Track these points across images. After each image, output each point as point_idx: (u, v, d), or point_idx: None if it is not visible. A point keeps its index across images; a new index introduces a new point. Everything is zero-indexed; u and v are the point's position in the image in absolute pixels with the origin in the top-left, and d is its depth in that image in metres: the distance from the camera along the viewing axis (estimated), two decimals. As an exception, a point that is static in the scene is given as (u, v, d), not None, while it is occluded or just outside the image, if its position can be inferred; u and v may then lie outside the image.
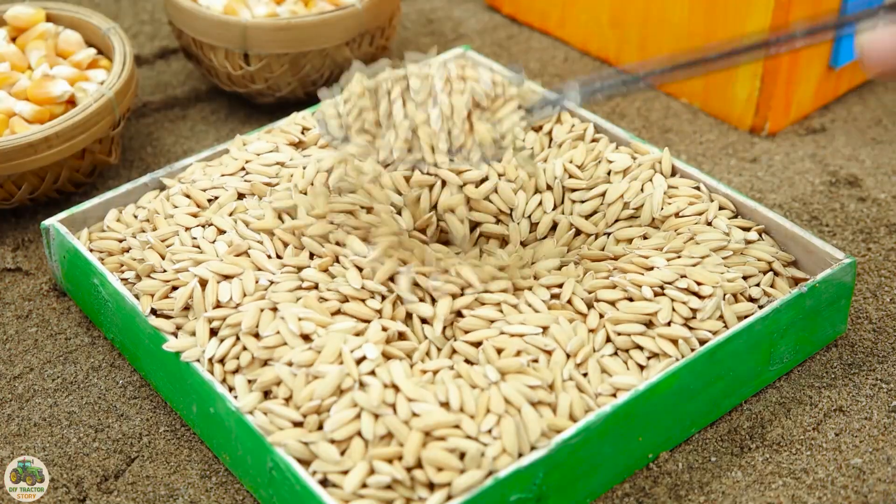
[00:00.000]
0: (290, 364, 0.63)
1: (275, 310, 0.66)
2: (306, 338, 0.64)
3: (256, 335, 0.65)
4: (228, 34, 0.89)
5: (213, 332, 0.66)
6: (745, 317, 0.67)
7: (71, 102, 0.84)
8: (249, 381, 0.64)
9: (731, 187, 0.78)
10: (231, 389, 0.65)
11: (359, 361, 0.62)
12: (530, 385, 0.62)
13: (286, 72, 0.91)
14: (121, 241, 0.74)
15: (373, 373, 0.62)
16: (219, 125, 0.95)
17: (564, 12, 1.02)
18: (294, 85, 0.92)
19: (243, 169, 0.77)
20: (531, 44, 1.04)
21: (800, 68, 0.89)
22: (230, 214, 0.73)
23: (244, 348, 0.65)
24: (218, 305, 0.67)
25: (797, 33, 0.62)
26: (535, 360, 0.64)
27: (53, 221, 0.76)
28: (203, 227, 0.72)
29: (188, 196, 0.75)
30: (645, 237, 0.73)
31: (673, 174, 0.77)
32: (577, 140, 0.80)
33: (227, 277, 0.68)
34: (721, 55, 0.64)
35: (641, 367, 0.65)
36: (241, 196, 0.75)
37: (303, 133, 0.80)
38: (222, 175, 0.76)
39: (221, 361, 0.66)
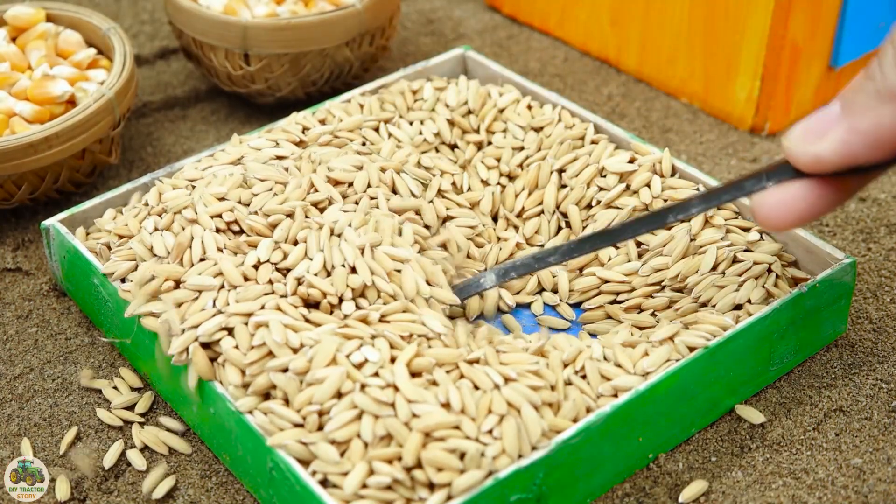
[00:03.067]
0: (284, 370, 0.63)
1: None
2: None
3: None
4: (228, 34, 0.89)
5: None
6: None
7: (71, 102, 0.84)
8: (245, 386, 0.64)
9: (731, 187, 0.78)
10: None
11: (359, 365, 0.62)
12: (532, 386, 0.62)
13: (286, 72, 0.91)
14: (119, 237, 0.74)
15: (375, 374, 0.62)
16: (219, 125, 0.95)
17: (564, 12, 1.02)
18: (294, 85, 0.92)
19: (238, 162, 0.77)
20: (531, 44, 1.04)
21: (800, 68, 0.89)
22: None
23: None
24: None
25: (693, 204, 0.65)
26: (536, 363, 0.64)
27: (53, 221, 0.76)
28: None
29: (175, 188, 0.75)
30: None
31: (673, 174, 0.77)
32: (578, 140, 0.80)
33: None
34: (623, 230, 0.68)
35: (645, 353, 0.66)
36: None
37: (303, 133, 0.80)
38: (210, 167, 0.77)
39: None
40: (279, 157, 0.76)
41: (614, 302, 0.74)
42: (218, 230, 0.70)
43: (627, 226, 0.67)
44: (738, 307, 0.70)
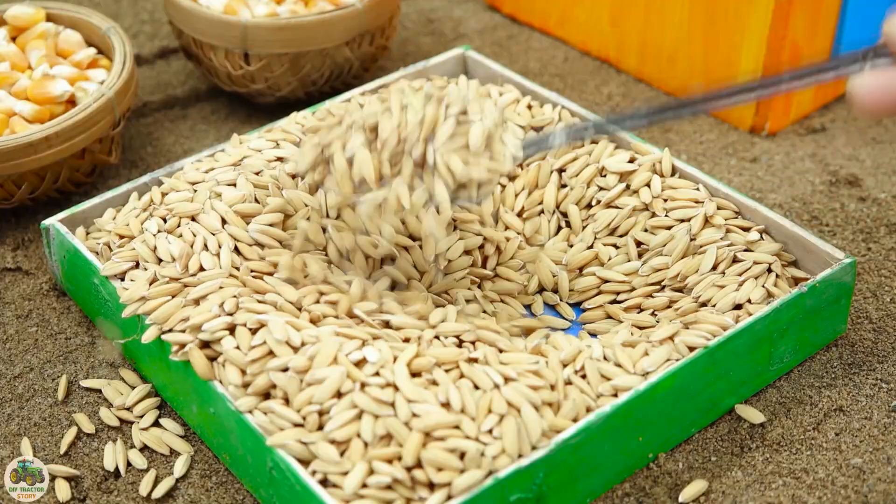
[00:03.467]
0: (284, 370, 0.63)
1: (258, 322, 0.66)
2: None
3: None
4: (228, 34, 0.89)
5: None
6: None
7: (71, 102, 0.84)
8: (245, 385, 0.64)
9: (731, 187, 0.78)
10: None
11: (359, 365, 0.62)
12: (532, 386, 0.62)
13: (286, 72, 0.91)
14: (120, 237, 0.74)
15: (376, 374, 0.62)
16: (219, 125, 0.95)
17: (564, 12, 1.02)
18: (294, 85, 0.92)
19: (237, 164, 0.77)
20: (531, 44, 1.04)
21: (800, 68, 0.90)
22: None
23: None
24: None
25: (784, 77, 0.64)
26: (536, 363, 0.64)
27: (53, 221, 0.76)
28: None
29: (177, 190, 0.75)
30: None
31: (673, 174, 0.77)
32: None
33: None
34: (708, 98, 0.66)
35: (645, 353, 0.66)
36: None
37: (304, 134, 0.80)
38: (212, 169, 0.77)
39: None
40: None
41: (614, 302, 0.74)
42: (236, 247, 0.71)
43: (709, 97, 0.65)
44: (738, 307, 0.70)
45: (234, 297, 0.67)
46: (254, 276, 0.69)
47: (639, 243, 0.75)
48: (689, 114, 0.68)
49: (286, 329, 0.64)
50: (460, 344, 0.66)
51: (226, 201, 0.73)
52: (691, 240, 0.73)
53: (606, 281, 0.74)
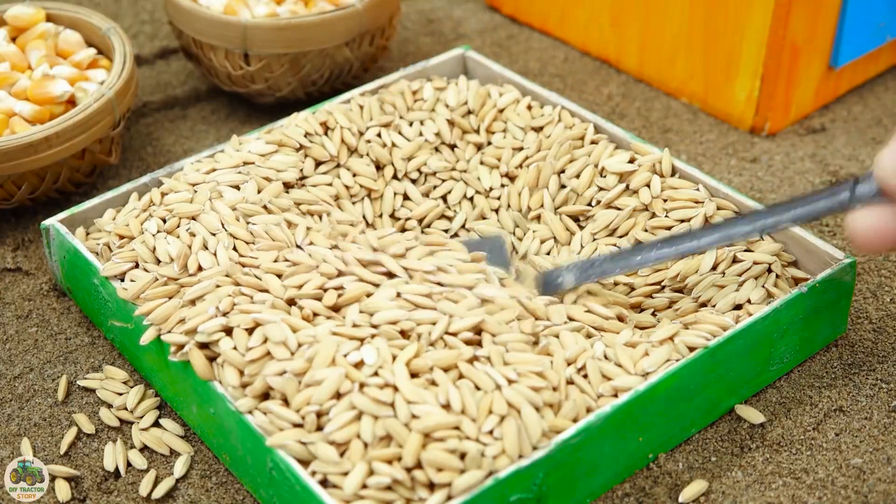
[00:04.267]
0: (282, 373, 0.63)
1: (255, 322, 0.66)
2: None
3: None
4: (228, 34, 0.89)
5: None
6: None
7: (71, 102, 0.84)
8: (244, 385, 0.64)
9: (731, 187, 0.78)
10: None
11: (357, 366, 0.62)
12: (533, 387, 0.62)
13: (286, 72, 0.91)
14: (119, 237, 0.74)
15: (375, 374, 0.62)
16: (219, 125, 0.95)
17: (564, 12, 1.02)
18: (294, 85, 0.92)
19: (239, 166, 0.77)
20: (531, 44, 1.04)
21: (800, 68, 0.90)
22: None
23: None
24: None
25: (784, 219, 0.66)
26: (539, 363, 0.64)
27: (53, 221, 0.76)
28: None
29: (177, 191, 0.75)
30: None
31: (673, 174, 0.77)
32: (578, 140, 0.80)
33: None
34: (711, 232, 0.68)
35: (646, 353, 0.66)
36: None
37: (305, 137, 0.80)
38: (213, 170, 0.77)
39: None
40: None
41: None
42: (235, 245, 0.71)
43: (711, 229, 0.68)
44: (738, 307, 0.70)
45: (230, 296, 0.67)
46: (245, 275, 0.68)
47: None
48: (694, 250, 0.69)
49: (283, 329, 0.64)
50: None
51: (227, 202, 0.73)
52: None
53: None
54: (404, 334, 0.65)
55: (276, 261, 0.69)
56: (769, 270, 0.71)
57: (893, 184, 0.58)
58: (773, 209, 0.66)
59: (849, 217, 0.60)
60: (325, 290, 0.67)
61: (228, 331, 0.65)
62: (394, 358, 0.63)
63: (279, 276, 0.68)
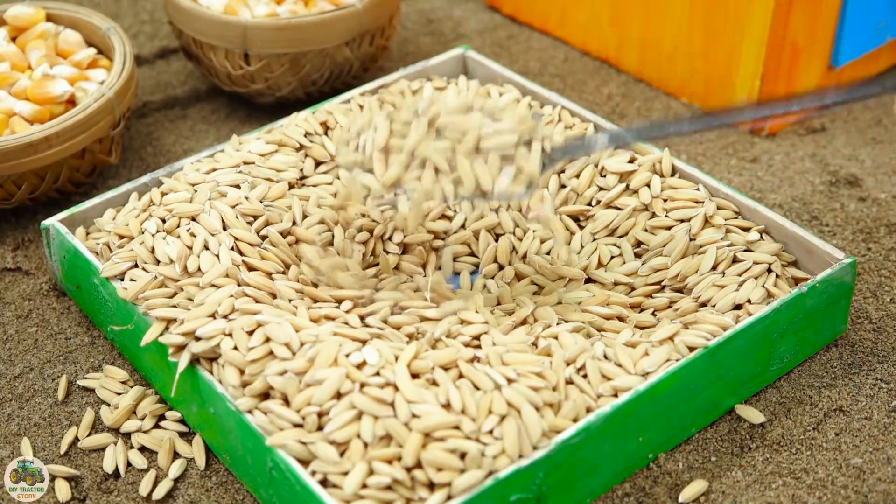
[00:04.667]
0: (283, 373, 0.63)
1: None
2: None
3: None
4: (228, 34, 0.89)
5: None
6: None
7: (71, 102, 0.84)
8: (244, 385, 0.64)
9: (731, 187, 0.78)
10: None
11: (359, 366, 0.62)
12: (533, 387, 0.62)
13: (286, 72, 0.91)
14: (119, 237, 0.74)
15: (376, 374, 0.62)
16: (219, 125, 0.95)
17: (564, 12, 1.02)
18: (294, 85, 0.92)
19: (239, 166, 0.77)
20: (531, 44, 1.04)
21: (800, 68, 0.89)
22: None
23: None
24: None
25: (829, 96, 0.64)
26: (538, 363, 0.64)
27: (53, 221, 0.76)
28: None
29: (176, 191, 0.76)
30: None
31: (673, 174, 0.77)
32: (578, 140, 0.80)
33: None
34: (746, 111, 0.67)
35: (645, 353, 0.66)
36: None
37: (305, 136, 0.80)
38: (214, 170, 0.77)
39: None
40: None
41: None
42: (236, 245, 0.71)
43: (757, 106, 0.66)
44: (738, 307, 0.70)
45: (231, 296, 0.67)
46: (250, 273, 0.69)
47: (638, 243, 0.75)
48: (729, 121, 0.68)
49: (284, 330, 0.64)
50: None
51: (227, 201, 0.73)
52: (691, 240, 0.73)
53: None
54: (410, 337, 0.65)
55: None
56: (769, 270, 0.71)
57: None
58: (821, 93, 0.64)
59: None
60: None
61: (228, 331, 0.65)
62: (396, 358, 0.63)
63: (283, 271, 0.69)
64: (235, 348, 0.64)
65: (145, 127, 0.95)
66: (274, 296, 0.68)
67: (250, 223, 0.73)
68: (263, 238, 0.72)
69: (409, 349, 0.63)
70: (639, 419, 0.64)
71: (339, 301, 0.69)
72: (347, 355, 0.63)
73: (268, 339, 0.64)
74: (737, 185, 0.87)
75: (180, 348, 0.66)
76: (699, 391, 0.66)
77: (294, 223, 0.74)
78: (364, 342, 0.64)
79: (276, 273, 0.70)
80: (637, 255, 0.74)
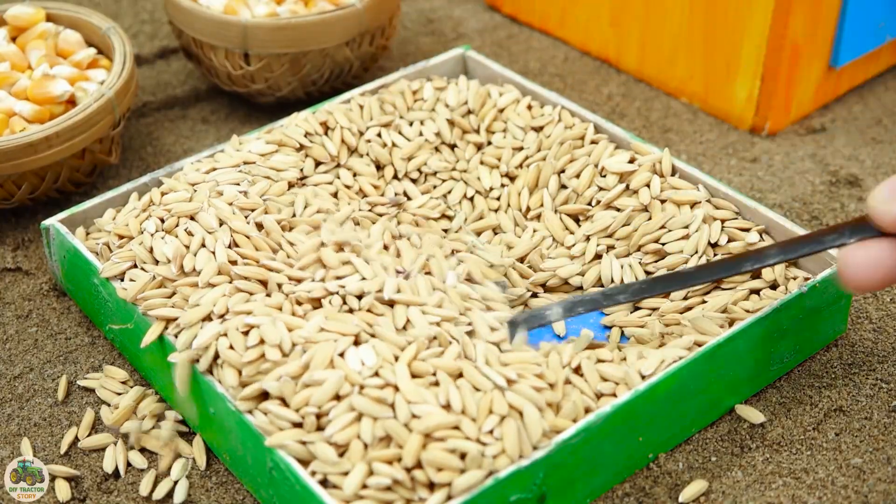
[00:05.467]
0: (278, 379, 0.62)
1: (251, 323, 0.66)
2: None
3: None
4: (228, 34, 0.89)
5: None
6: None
7: (71, 102, 0.84)
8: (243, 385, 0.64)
9: (731, 187, 0.78)
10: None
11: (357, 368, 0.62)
12: (535, 387, 0.62)
13: (286, 72, 0.91)
14: (119, 237, 0.74)
15: (376, 374, 0.62)
16: (219, 125, 0.95)
17: (564, 12, 1.02)
18: (294, 85, 0.92)
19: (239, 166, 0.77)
20: (531, 44, 1.04)
21: (800, 68, 0.89)
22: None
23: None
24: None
25: (771, 254, 0.65)
26: (537, 363, 0.64)
27: (53, 221, 0.76)
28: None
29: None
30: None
31: (673, 174, 0.77)
32: (578, 140, 0.80)
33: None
34: (697, 274, 0.67)
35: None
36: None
37: (305, 137, 0.80)
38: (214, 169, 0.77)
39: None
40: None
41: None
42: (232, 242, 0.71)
43: (702, 270, 0.67)
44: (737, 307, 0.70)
45: (225, 295, 0.67)
46: (243, 267, 0.69)
47: (639, 245, 0.75)
48: (678, 287, 0.68)
49: (277, 330, 0.64)
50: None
51: (226, 199, 0.73)
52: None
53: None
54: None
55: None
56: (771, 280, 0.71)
57: (883, 211, 0.58)
58: (763, 253, 0.65)
59: (839, 253, 0.60)
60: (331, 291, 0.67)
61: (224, 331, 0.65)
62: (396, 358, 0.63)
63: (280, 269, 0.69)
64: (231, 347, 0.64)
65: (145, 127, 0.95)
66: (266, 286, 0.68)
67: (247, 217, 0.72)
68: (260, 228, 0.72)
69: (409, 350, 0.63)
70: (639, 419, 0.64)
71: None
72: (342, 354, 0.63)
73: (262, 341, 0.64)
74: (737, 185, 0.87)
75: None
76: (699, 391, 0.66)
77: (294, 216, 0.74)
78: (356, 336, 0.64)
79: (267, 259, 0.70)
80: (648, 273, 0.74)
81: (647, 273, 0.74)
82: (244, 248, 0.70)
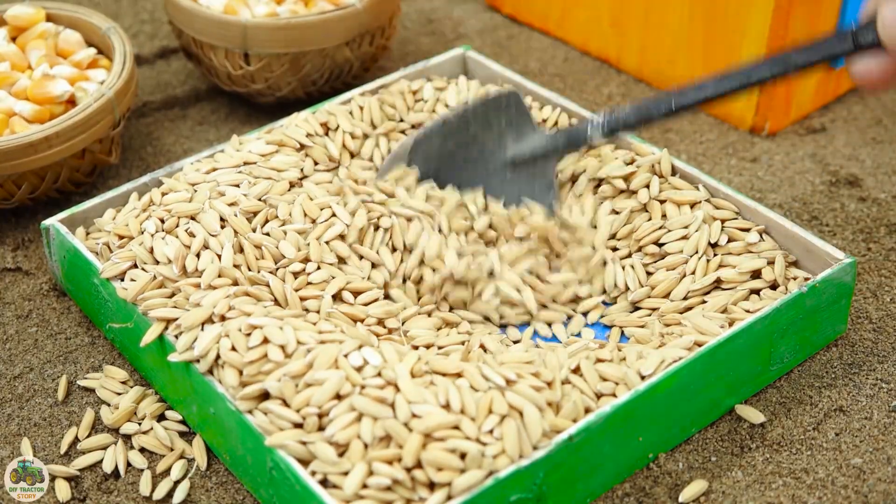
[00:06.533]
0: (279, 380, 0.63)
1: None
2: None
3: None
4: (228, 34, 0.89)
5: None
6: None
7: (71, 102, 0.84)
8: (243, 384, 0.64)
9: (731, 187, 0.78)
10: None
11: (359, 368, 0.62)
12: (534, 387, 0.62)
13: (286, 72, 0.91)
14: (119, 237, 0.74)
15: (378, 374, 0.62)
16: (219, 125, 0.95)
17: (564, 12, 1.02)
18: (294, 85, 0.92)
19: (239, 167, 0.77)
20: (531, 44, 1.04)
21: (800, 68, 0.89)
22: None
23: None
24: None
25: (792, 57, 0.67)
26: (534, 363, 0.64)
27: (53, 221, 0.76)
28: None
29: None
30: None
31: (673, 174, 0.77)
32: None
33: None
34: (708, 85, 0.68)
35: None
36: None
37: (306, 137, 0.80)
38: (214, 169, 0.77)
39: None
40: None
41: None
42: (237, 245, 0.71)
43: (731, 76, 0.68)
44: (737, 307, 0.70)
45: (228, 297, 0.67)
46: (249, 272, 0.69)
47: (639, 246, 0.75)
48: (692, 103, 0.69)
49: (282, 332, 0.64)
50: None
51: (226, 200, 0.73)
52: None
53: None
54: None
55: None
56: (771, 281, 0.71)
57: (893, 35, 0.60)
58: (778, 58, 0.67)
59: (852, 63, 0.63)
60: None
61: (227, 333, 0.65)
62: (401, 358, 0.63)
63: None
64: (234, 349, 0.64)
65: (145, 127, 0.95)
66: (271, 293, 0.68)
67: (250, 220, 0.73)
68: (266, 235, 0.72)
69: (412, 355, 0.63)
70: (639, 419, 0.64)
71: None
72: (346, 355, 0.63)
73: (265, 341, 0.64)
74: (737, 185, 0.87)
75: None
76: (699, 391, 0.66)
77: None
78: (360, 344, 0.64)
79: (270, 272, 0.70)
80: (649, 273, 0.74)
81: (649, 274, 0.74)
82: (248, 254, 0.70)
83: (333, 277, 0.70)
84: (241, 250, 0.71)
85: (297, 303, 0.68)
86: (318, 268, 0.70)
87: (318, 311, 0.68)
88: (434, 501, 0.58)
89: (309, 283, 0.70)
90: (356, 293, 0.70)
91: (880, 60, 0.62)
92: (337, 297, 0.70)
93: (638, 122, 0.72)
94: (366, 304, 0.70)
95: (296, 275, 0.70)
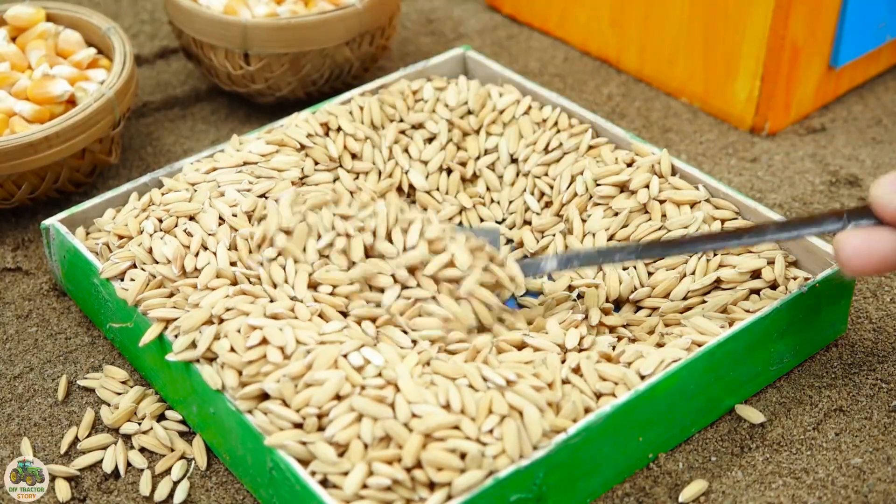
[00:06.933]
0: (278, 381, 0.62)
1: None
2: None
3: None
4: (228, 34, 0.89)
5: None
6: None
7: (71, 102, 0.84)
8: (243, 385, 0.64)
9: (731, 187, 0.78)
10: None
11: (359, 368, 0.62)
12: (535, 387, 0.62)
13: (286, 72, 0.91)
14: (119, 237, 0.74)
15: (379, 374, 0.62)
16: (219, 125, 0.95)
17: (564, 12, 1.02)
18: (294, 85, 0.92)
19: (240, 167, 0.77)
20: (531, 44, 1.04)
21: (800, 68, 0.90)
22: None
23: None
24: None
25: (768, 230, 0.66)
26: (535, 363, 0.64)
27: (53, 221, 0.76)
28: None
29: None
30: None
31: (673, 174, 0.77)
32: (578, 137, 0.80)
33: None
34: (691, 243, 0.68)
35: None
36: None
37: (307, 137, 0.80)
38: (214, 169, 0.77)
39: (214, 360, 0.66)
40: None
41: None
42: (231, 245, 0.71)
43: (700, 239, 0.68)
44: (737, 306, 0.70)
45: (227, 296, 0.67)
46: (246, 273, 0.69)
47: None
48: (672, 253, 0.70)
49: (280, 333, 0.64)
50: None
51: (226, 200, 0.73)
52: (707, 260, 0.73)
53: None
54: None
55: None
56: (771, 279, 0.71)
57: (886, 202, 0.59)
58: (762, 228, 0.67)
59: (836, 237, 0.61)
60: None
61: (225, 334, 0.65)
62: (402, 357, 0.63)
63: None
64: (232, 349, 0.64)
65: (145, 127, 0.95)
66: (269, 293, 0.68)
67: (249, 219, 0.73)
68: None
69: (412, 356, 0.63)
70: (639, 419, 0.64)
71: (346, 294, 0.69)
72: (346, 355, 0.63)
73: (264, 341, 0.64)
74: (737, 185, 0.87)
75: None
76: (699, 391, 0.66)
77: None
78: (361, 343, 0.64)
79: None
80: (649, 273, 0.74)
81: (649, 274, 0.74)
82: (240, 248, 0.70)
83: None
84: (235, 247, 0.71)
85: (287, 291, 0.67)
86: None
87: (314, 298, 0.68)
88: (434, 501, 0.58)
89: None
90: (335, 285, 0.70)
91: (869, 235, 0.60)
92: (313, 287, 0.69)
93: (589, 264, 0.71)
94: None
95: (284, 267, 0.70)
